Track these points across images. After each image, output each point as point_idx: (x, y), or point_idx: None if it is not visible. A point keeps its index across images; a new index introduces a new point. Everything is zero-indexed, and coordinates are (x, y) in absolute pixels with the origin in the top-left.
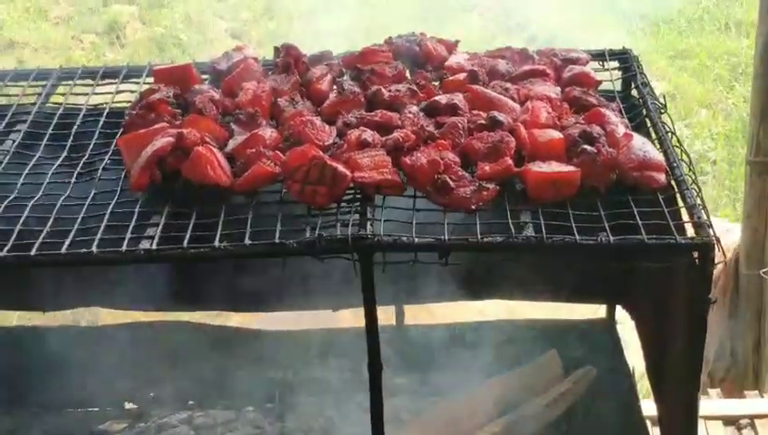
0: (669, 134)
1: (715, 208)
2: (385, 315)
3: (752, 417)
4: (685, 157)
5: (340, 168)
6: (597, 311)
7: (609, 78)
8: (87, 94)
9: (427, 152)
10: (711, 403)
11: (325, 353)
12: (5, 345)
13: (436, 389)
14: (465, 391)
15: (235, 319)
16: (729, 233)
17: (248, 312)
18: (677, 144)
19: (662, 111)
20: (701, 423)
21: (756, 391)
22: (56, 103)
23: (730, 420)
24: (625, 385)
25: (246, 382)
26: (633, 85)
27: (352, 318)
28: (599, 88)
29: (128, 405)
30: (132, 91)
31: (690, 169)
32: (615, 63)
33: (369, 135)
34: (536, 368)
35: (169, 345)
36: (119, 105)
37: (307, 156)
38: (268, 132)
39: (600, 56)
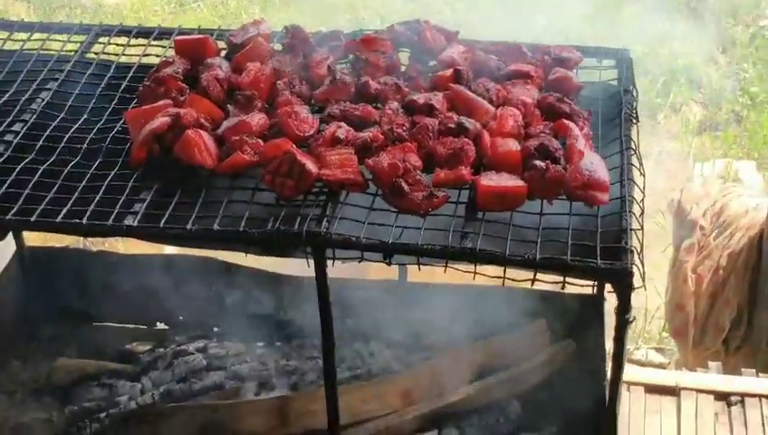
0: (631, 150)
1: None
2: (389, 270)
3: (743, 395)
4: (640, 175)
5: (309, 165)
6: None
7: (598, 78)
8: (117, 55)
9: (392, 154)
10: (706, 377)
11: (338, 301)
12: (55, 263)
13: (427, 344)
14: (451, 351)
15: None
16: (759, 208)
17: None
18: (637, 162)
19: (633, 121)
20: (693, 396)
21: (753, 370)
22: (90, 60)
23: (721, 395)
24: (598, 362)
25: (264, 320)
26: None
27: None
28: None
29: (159, 325)
30: (157, 56)
31: (641, 190)
32: (612, 62)
33: (342, 132)
34: (523, 336)
35: (201, 278)
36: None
37: (281, 149)
38: (256, 119)
39: (598, 53)
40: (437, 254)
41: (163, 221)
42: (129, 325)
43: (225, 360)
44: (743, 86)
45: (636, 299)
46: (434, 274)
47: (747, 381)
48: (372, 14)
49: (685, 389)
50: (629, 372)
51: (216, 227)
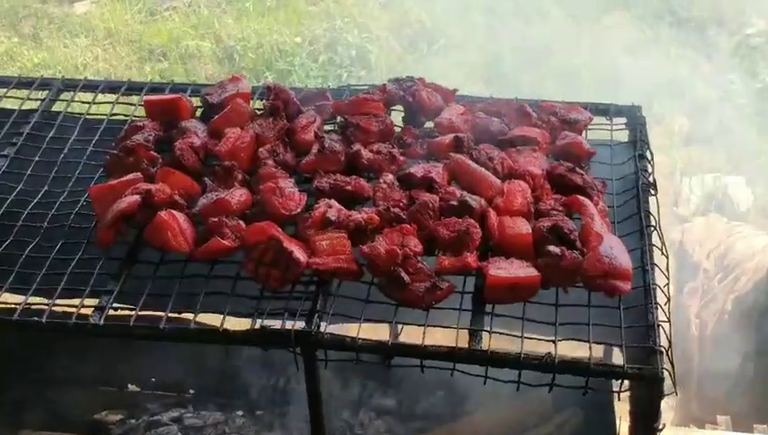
0: (651, 228)
1: None
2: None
3: None
4: (663, 257)
5: (296, 253)
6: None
7: (609, 141)
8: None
9: (389, 238)
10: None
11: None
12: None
13: (422, 414)
14: (449, 424)
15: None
16: (766, 250)
17: None
18: (659, 242)
19: (652, 192)
20: None
21: (765, 426)
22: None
23: None
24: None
25: (243, 387)
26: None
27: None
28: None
29: (130, 387)
30: (126, 115)
31: (666, 274)
32: (623, 120)
33: (333, 213)
34: (524, 410)
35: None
36: (117, 118)
37: (265, 234)
38: (236, 195)
39: (608, 111)
40: (444, 356)
41: (133, 319)
42: (100, 388)
43: (203, 431)
44: (730, 97)
45: None
46: (433, 335)
47: None
48: (350, 24)
49: None
50: None
51: (192, 325)
